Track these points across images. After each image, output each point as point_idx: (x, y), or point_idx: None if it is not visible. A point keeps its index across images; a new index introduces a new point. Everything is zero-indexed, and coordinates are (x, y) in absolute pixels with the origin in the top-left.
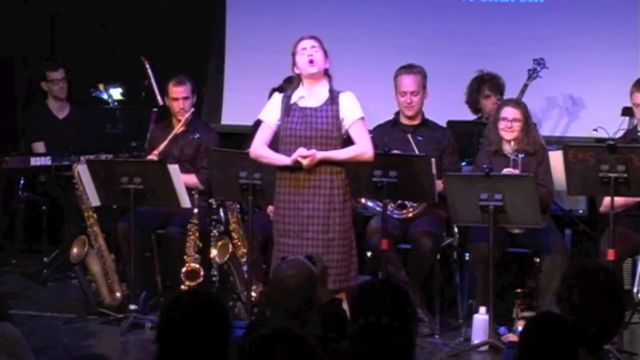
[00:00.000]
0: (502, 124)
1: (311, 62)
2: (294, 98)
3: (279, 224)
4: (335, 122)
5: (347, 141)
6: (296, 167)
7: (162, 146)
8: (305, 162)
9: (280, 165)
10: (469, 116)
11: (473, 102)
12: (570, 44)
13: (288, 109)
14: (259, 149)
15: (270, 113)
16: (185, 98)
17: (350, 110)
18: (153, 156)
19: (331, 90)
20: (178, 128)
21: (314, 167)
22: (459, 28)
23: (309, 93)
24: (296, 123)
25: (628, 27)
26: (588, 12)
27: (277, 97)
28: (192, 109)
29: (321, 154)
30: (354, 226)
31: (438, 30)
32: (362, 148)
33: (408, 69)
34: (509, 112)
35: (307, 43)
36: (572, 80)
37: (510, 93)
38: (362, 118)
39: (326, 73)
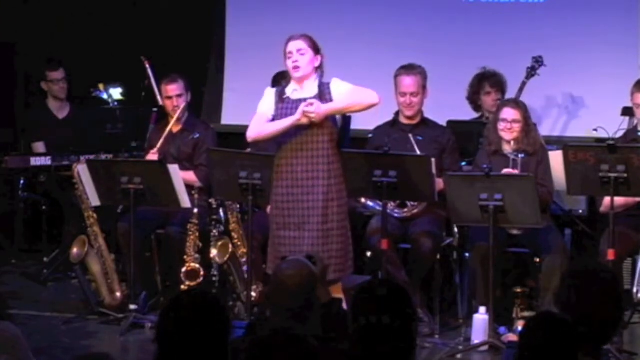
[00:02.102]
0: (501, 125)
1: (296, 68)
2: (288, 92)
3: (279, 218)
4: None
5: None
6: (293, 159)
7: (158, 145)
8: (311, 109)
9: (277, 159)
10: (469, 115)
11: (474, 99)
12: (570, 44)
13: (282, 100)
14: (259, 126)
15: (266, 105)
16: (179, 96)
17: (342, 91)
18: (152, 155)
19: (320, 85)
20: (172, 125)
21: (310, 159)
22: (459, 28)
23: (300, 87)
24: (291, 114)
25: (628, 27)
26: (588, 12)
27: (270, 91)
28: (184, 104)
29: (325, 106)
30: (354, 227)
31: (438, 30)
32: (360, 95)
33: (408, 69)
34: (509, 113)
35: (294, 46)
36: (572, 80)
37: (510, 93)
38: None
39: (319, 68)
